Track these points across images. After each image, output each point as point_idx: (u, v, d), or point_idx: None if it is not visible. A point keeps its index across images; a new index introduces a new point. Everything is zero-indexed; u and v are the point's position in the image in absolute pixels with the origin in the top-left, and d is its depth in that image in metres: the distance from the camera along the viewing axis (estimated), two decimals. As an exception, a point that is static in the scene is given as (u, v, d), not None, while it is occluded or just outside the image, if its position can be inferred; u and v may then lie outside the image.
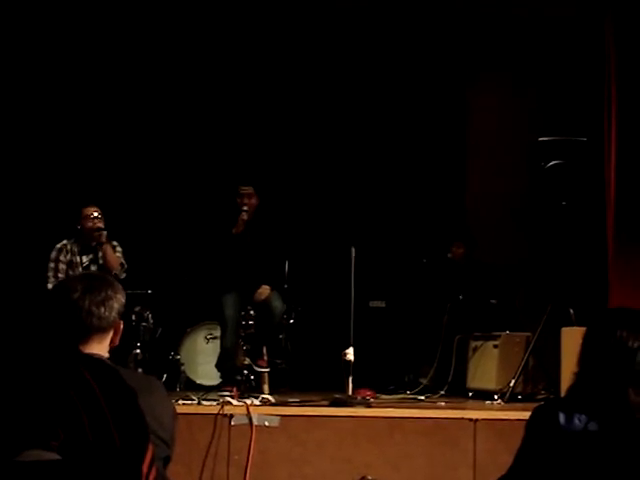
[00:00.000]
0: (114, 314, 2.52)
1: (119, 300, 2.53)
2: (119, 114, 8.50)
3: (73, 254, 6.54)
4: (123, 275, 6.53)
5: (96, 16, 7.77)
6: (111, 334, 2.55)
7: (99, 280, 2.55)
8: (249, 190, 6.76)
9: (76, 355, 2.32)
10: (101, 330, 2.50)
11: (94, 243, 6.53)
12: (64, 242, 6.58)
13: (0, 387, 2.10)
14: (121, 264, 6.58)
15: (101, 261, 6.55)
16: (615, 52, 6.52)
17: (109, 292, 2.51)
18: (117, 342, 2.58)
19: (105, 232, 6.47)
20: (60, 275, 6.42)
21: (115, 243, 6.63)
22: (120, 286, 2.58)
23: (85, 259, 6.57)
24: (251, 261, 6.71)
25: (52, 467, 2.03)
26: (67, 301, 2.47)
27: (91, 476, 2.03)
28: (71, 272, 6.37)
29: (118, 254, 6.62)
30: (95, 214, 6.52)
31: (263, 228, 6.80)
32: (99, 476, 2.03)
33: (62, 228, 6.77)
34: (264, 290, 6.69)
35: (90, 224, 6.48)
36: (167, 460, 2.51)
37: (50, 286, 6.34)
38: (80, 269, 6.48)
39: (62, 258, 6.50)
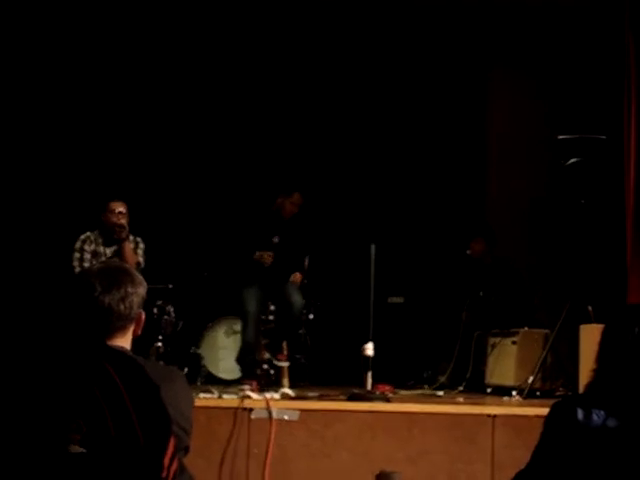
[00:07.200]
0: (135, 309, 2.48)
1: (139, 294, 2.50)
2: (148, 109, 8.55)
3: (97, 244, 6.53)
4: None
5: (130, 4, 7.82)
6: (133, 326, 2.52)
7: (118, 274, 2.49)
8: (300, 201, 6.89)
9: (100, 349, 2.33)
10: (122, 327, 2.47)
11: (115, 236, 6.51)
12: (87, 234, 6.56)
13: (24, 381, 2.15)
14: (137, 263, 6.50)
15: None
16: (635, 48, 6.48)
17: (129, 288, 2.46)
18: (140, 332, 2.56)
19: (126, 229, 6.44)
20: (85, 264, 6.38)
21: (139, 239, 6.62)
22: (140, 277, 2.54)
23: (109, 251, 6.53)
24: (277, 257, 6.75)
25: (76, 460, 2.07)
26: (87, 299, 2.43)
27: (114, 469, 2.07)
28: (95, 262, 6.30)
29: (139, 251, 6.59)
30: (121, 209, 6.50)
31: (294, 227, 6.86)
32: (121, 469, 2.07)
33: (85, 220, 6.77)
34: (297, 277, 6.83)
35: (114, 219, 6.45)
36: (187, 450, 2.52)
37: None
38: (103, 259, 6.43)
39: (86, 247, 6.48)
